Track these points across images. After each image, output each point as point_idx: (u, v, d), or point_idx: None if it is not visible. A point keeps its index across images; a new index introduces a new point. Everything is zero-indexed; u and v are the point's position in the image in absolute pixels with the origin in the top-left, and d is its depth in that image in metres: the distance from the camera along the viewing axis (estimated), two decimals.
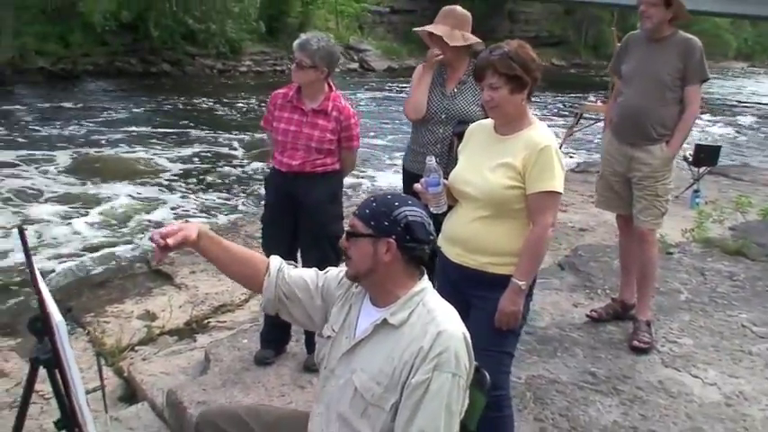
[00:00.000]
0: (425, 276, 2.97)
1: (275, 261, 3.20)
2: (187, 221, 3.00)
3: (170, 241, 2.91)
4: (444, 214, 3.87)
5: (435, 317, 2.80)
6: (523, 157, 3.57)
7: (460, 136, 4.14)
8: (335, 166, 5.31)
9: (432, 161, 3.77)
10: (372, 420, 2.83)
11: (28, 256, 2.57)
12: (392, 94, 29.61)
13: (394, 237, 2.82)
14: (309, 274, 3.20)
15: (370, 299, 3.01)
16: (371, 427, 2.83)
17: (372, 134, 20.05)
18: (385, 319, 2.86)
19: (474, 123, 4.05)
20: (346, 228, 2.95)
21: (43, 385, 4.23)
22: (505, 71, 3.54)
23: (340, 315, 3.07)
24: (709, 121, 26.70)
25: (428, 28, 5.21)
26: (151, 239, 2.96)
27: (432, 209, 3.71)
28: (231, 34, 33.32)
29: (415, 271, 2.92)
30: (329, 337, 3.07)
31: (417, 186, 3.75)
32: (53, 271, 9.14)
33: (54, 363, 2.69)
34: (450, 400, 2.73)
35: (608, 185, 5.91)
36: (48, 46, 29.02)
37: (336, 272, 3.18)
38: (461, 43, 5.10)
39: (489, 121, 3.85)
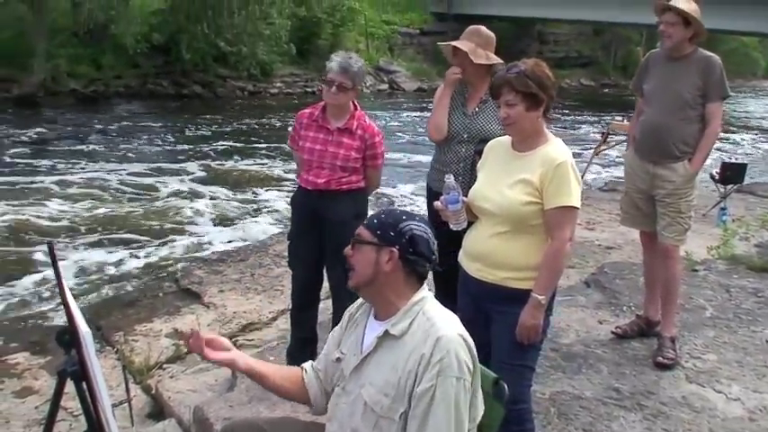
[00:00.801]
0: (425, 286, 3.03)
1: (306, 363, 3.34)
2: (233, 347, 3.10)
3: (211, 357, 3.08)
4: (465, 231, 3.93)
5: (435, 323, 2.86)
6: (540, 174, 3.62)
7: (482, 154, 4.19)
8: (360, 183, 5.38)
9: (450, 179, 3.83)
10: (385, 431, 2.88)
11: (57, 269, 2.64)
12: (421, 115, 29.62)
13: (397, 247, 2.91)
14: (325, 346, 3.33)
15: (374, 315, 3.08)
16: None
17: (399, 153, 20.08)
18: (386, 331, 2.93)
19: (492, 140, 4.10)
20: (353, 237, 3.03)
21: (72, 402, 4.32)
22: (522, 89, 3.60)
23: (349, 338, 3.15)
24: (736, 139, 26.49)
25: (454, 43, 5.25)
26: (189, 343, 3.15)
27: (452, 226, 3.79)
28: (262, 56, 33.38)
29: (415, 284, 2.99)
30: (338, 359, 3.15)
31: (438, 204, 3.83)
32: (82, 291, 9.22)
33: (81, 375, 2.75)
34: (458, 404, 2.78)
35: (632, 203, 5.93)
36: (80, 68, 29.16)
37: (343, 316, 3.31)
38: (484, 61, 5.13)
39: (507, 139, 3.90)
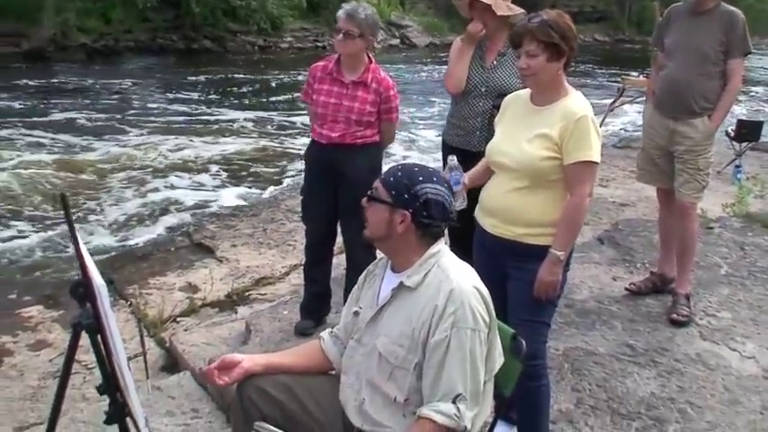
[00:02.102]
0: (441, 240, 3.02)
1: (324, 331, 3.38)
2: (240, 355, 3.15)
3: (227, 381, 3.11)
4: (479, 189, 3.90)
5: (449, 275, 2.86)
6: (560, 128, 3.56)
7: (500, 108, 4.13)
8: (375, 138, 5.33)
9: (453, 160, 3.85)
10: (399, 382, 2.90)
11: (70, 220, 2.60)
12: (433, 70, 29.47)
13: (411, 210, 2.88)
14: (346, 305, 3.36)
15: (390, 267, 3.09)
16: (399, 388, 2.90)
17: (413, 108, 19.98)
18: (401, 283, 2.94)
19: (510, 95, 4.04)
20: (370, 189, 3.01)
21: (86, 356, 4.33)
22: (543, 38, 3.51)
23: (366, 292, 3.17)
24: (753, 96, 26.29)
25: None
26: (206, 375, 3.19)
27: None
28: (272, 10, 33.24)
29: (430, 241, 2.98)
30: (356, 312, 3.16)
31: None
32: (94, 244, 9.23)
33: (96, 327, 2.73)
34: (474, 356, 2.79)
35: (649, 159, 5.89)
36: (89, 22, 29.05)
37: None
38: (507, 13, 5.03)
39: (525, 92, 3.83)
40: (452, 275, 2.87)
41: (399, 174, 2.96)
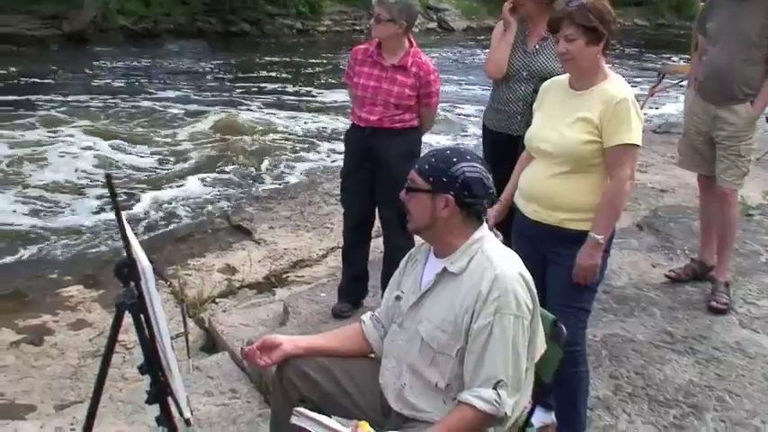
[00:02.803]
0: (485, 225, 3.01)
1: (365, 315, 3.38)
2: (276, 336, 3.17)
3: (269, 361, 3.16)
4: None
5: (493, 261, 2.85)
6: (600, 111, 3.54)
7: None
8: (414, 122, 5.33)
9: None
10: (441, 368, 2.91)
11: (115, 202, 2.63)
12: (471, 54, 29.36)
13: (452, 193, 2.87)
14: (387, 289, 3.35)
15: (433, 253, 3.08)
16: (441, 374, 2.91)
17: (452, 93, 19.89)
18: (445, 268, 2.93)
19: (548, 80, 4.02)
20: (407, 182, 2.98)
21: (125, 335, 4.37)
22: (582, 22, 3.49)
23: (408, 277, 3.16)
24: None
25: None
26: (247, 355, 3.21)
27: None
28: None
29: (474, 222, 2.97)
30: (398, 296, 3.16)
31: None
32: (135, 225, 9.32)
33: (139, 308, 2.76)
34: (517, 342, 2.79)
35: (691, 145, 5.85)
36: (129, 5, 29.20)
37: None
38: None
39: (564, 77, 3.81)
40: (496, 261, 2.86)
41: (433, 159, 2.94)
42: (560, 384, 3.76)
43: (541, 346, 3.00)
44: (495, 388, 2.77)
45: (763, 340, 5.17)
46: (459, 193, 2.87)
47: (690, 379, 4.67)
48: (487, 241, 2.97)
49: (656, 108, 17.79)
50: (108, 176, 2.72)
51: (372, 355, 3.32)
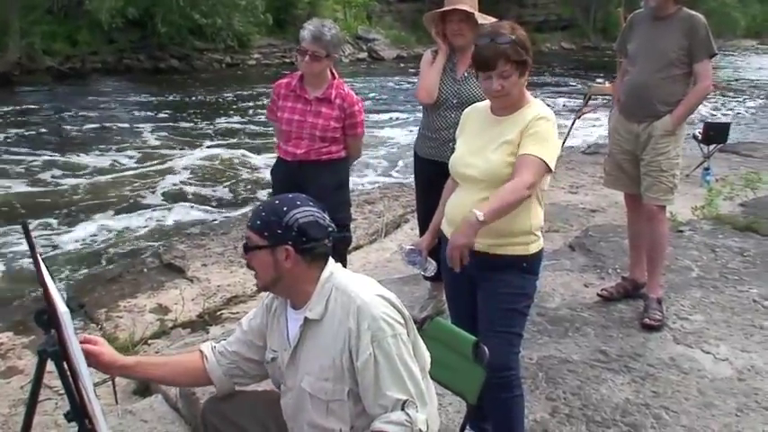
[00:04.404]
0: (330, 260, 2.97)
1: (206, 345, 3.26)
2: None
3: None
4: None
5: (350, 294, 2.83)
6: (520, 129, 3.55)
7: None
8: (341, 153, 5.34)
9: (403, 248, 4.09)
10: (338, 413, 2.88)
11: (32, 249, 2.59)
12: (402, 82, 29.56)
13: (290, 243, 2.82)
14: (237, 328, 3.26)
15: (290, 305, 3.03)
16: (341, 419, 2.88)
17: (382, 121, 20.00)
18: (306, 318, 2.89)
19: (469, 108, 4.02)
20: (244, 241, 2.94)
21: (57, 381, 4.27)
22: (515, 58, 3.48)
23: (274, 335, 3.10)
24: (717, 99, 26.50)
25: (458, 6, 5.13)
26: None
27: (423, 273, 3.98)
28: (239, 28, 33.32)
29: (320, 263, 2.93)
30: (273, 359, 3.10)
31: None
32: (64, 268, 9.18)
33: (62, 354, 2.70)
34: (404, 358, 2.79)
35: (616, 164, 5.90)
36: (55, 45, 29.09)
37: (259, 306, 3.23)
38: (484, 21, 5.03)
39: (484, 104, 3.81)
40: (353, 293, 2.83)
41: (263, 214, 2.88)
42: (496, 409, 3.76)
43: (426, 354, 3.01)
44: (402, 409, 2.74)
45: (696, 355, 5.21)
46: (297, 240, 2.82)
47: (626, 398, 4.67)
48: (337, 276, 2.93)
49: (584, 129, 18.04)
50: (24, 224, 2.67)
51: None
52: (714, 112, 22.54)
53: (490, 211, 3.46)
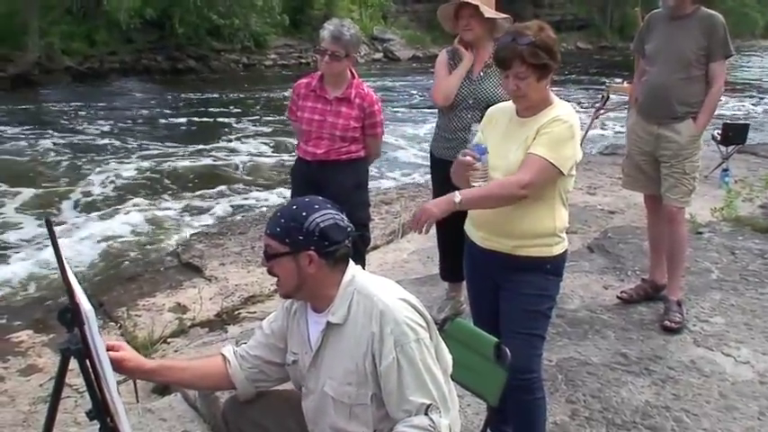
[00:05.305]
0: (351, 263, 2.95)
1: (228, 350, 3.24)
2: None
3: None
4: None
5: (372, 298, 2.81)
6: (536, 131, 3.52)
7: None
8: (360, 153, 5.34)
9: (477, 127, 3.82)
10: (362, 418, 2.87)
11: (56, 247, 2.57)
12: (417, 82, 29.53)
13: (313, 248, 2.79)
14: (258, 331, 3.24)
15: (311, 308, 3.01)
16: (364, 423, 2.87)
17: (399, 122, 19.99)
18: (328, 322, 2.87)
19: (493, 107, 3.98)
20: (264, 249, 2.91)
21: (77, 379, 4.28)
22: (533, 61, 3.44)
23: (295, 337, 3.08)
24: (736, 99, 26.35)
25: None
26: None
27: (475, 183, 3.60)
28: (256, 28, 33.40)
29: (342, 266, 2.91)
30: (294, 361, 3.08)
31: (467, 159, 3.59)
32: (83, 267, 9.21)
33: (84, 353, 2.70)
34: (427, 363, 2.77)
35: (635, 165, 5.88)
36: (74, 45, 29.18)
37: (279, 308, 3.20)
38: (493, 15, 5.05)
39: (509, 105, 3.78)
40: (375, 297, 2.81)
41: (283, 220, 2.84)
42: (517, 412, 3.74)
43: (448, 357, 3.00)
44: (426, 413, 2.73)
45: (717, 358, 5.18)
46: (319, 245, 2.79)
47: (646, 400, 4.66)
48: (358, 279, 2.91)
49: (603, 129, 17.98)
50: (48, 220, 2.66)
51: None
52: (732, 113, 22.35)
53: (471, 197, 3.48)
